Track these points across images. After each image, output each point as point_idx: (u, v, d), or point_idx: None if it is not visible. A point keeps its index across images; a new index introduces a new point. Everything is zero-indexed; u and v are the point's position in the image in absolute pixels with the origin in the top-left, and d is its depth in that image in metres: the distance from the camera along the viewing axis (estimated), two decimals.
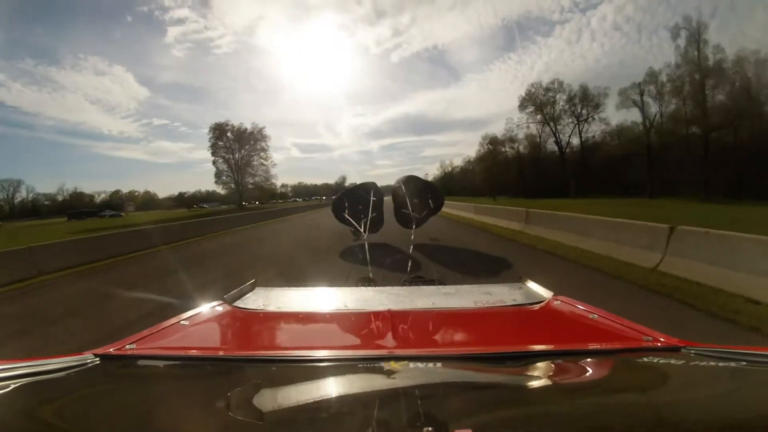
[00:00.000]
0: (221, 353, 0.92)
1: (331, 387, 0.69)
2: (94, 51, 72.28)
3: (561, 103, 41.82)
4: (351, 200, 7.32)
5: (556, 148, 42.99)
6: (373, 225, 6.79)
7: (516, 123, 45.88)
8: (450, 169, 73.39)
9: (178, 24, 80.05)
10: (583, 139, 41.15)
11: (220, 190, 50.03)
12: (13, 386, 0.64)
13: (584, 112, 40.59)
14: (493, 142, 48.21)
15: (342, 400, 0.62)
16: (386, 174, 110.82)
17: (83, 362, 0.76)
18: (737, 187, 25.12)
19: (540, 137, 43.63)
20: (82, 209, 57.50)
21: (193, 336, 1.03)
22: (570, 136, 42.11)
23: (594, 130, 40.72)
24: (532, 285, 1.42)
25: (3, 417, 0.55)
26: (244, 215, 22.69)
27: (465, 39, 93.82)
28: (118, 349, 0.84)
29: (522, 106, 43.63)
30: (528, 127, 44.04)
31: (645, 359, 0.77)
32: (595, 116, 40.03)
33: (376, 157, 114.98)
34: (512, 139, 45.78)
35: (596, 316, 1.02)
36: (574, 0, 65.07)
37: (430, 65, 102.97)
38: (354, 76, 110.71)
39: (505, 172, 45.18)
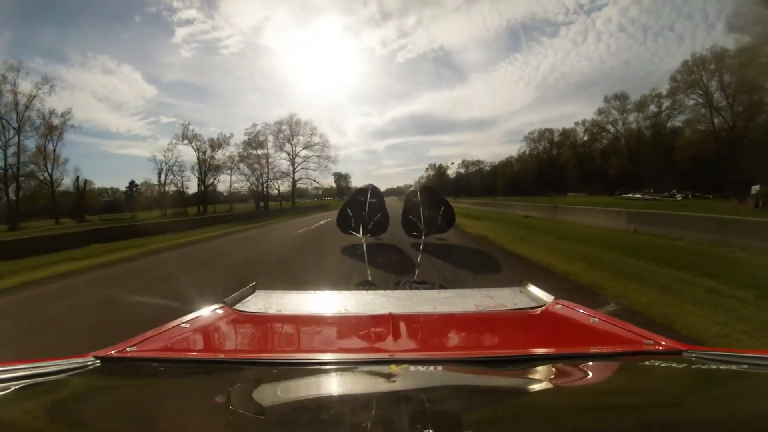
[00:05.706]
0: (222, 356, 0.92)
1: (332, 390, 0.70)
2: (103, 50, 67.19)
3: None
4: (354, 210, 7.15)
5: None
6: (379, 227, 6.59)
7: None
8: (467, 167, 72.71)
9: (185, 25, 75.62)
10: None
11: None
12: (13, 388, 0.63)
13: None
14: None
15: (343, 403, 0.62)
16: (392, 174, 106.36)
17: (84, 364, 0.75)
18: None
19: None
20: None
21: (194, 338, 1.02)
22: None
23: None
24: (533, 289, 1.41)
25: (3, 419, 0.55)
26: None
27: (470, 40, 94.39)
28: (119, 351, 0.84)
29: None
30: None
31: (646, 363, 0.77)
32: None
33: (382, 156, 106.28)
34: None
35: (597, 319, 1.02)
36: (579, 2, 64.40)
37: (435, 66, 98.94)
38: (360, 77, 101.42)
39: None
